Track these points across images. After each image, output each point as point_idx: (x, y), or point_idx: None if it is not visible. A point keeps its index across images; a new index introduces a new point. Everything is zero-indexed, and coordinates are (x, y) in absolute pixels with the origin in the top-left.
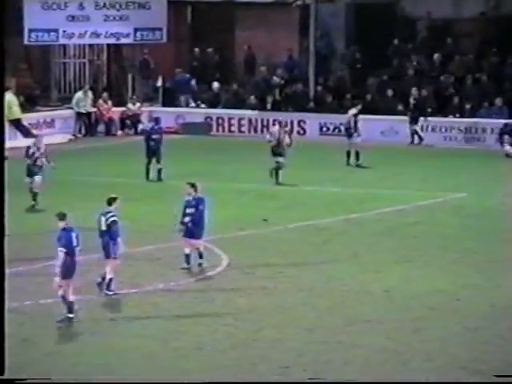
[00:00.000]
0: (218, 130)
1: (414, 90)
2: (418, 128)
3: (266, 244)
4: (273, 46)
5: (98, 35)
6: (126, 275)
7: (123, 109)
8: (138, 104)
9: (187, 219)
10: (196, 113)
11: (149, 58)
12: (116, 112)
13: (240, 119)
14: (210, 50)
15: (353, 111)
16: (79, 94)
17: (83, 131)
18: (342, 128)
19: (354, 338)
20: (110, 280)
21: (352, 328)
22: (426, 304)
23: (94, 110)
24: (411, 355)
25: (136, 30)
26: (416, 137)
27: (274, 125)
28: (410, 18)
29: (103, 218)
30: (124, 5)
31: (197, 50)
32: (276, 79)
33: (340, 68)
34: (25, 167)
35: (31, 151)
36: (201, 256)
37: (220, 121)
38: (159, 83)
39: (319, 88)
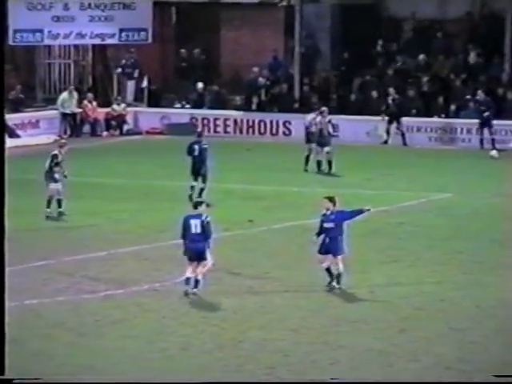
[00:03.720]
0: (203, 131)
1: (391, 90)
2: (392, 127)
3: (252, 245)
4: (258, 47)
5: (83, 36)
6: (112, 275)
7: (108, 109)
8: (123, 104)
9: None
10: (181, 113)
11: (136, 58)
12: (101, 113)
13: (225, 120)
14: (196, 50)
15: (318, 117)
16: (64, 94)
17: (68, 132)
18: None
19: (340, 339)
20: (198, 281)
21: (338, 328)
22: (412, 304)
23: (80, 110)
24: (397, 355)
25: (121, 30)
26: (387, 136)
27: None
28: (395, 19)
29: (196, 221)
30: (109, 5)
31: (183, 50)
32: (261, 80)
33: (325, 69)
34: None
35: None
36: (332, 275)
37: (205, 121)
38: (145, 84)
39: (304, 89)
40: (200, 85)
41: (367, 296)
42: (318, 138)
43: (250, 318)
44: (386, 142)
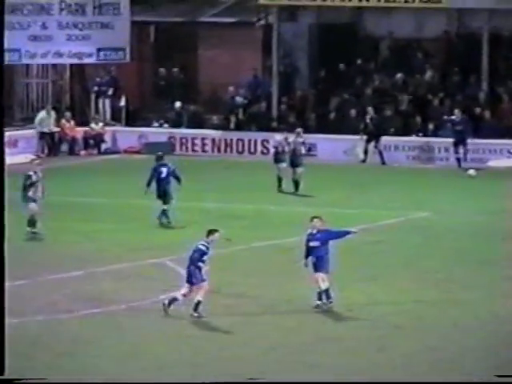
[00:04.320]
0: (181, 150)
1: (369, 109)
2: (370, 146)
3: (230, 263)
4: (236, 66)
5: (60, 55)
6: (89, 295)
7: (86, 128)
8: (100, 123)
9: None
10: (159, 132)
11: (112, 76)
12: (79, 131)
13: (203, 139)
14: (174, 69)
15: (292, 137)
16: (42, 113)
17: (46, 151)
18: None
19: (318, 357)
20: (199, 303)
21: (316, 347)
22: (390, 323)
23: (57, 129)
24: (375, 374)
25: (99, 49)
26: (363, 155)
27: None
28: (372, 38)
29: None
30: (87, 24)
31: (161, 69)
32: (239, 99)
33: (303, 87)
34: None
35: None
36: (320, 294)
37: (183, 140)
38: (122, 103)
39: (282, 107)
40: (178, 104)
41: (345, 314)
42: (291, 158)
43: (228, 336)
44: (364, 161)
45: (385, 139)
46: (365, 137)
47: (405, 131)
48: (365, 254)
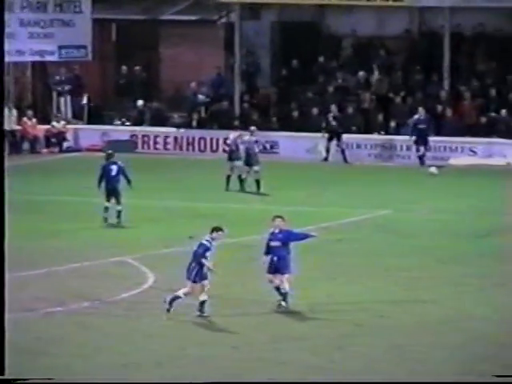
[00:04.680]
0: (143, 148)
1: (333, 108)
2: (332, 144)
3: None
4: (198, 64)
5: (22, 53)
6: (52, 293)
7: (48, 126)
8: (62, 122)
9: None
10: (121, 130)
11: (74, 74)
12: (41, 130)
13: (165, 137)
14: (136, 67)
15: (246, 136)
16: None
17: (7, 149)
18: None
19: (279, 355)
20: (204, 302)
21: (277, 345)
22: (352, 321)
23: (19, 127)
24: (336, 372)
25: (60, 47)
26: (326, 153)
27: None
28: (335, 36)
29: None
30: (48, 22)
31: (124, 67)
32: (201, 97)
33: (265, 85)
34: None
35: None
36: (281, 293)
37: (145, 138)
38: (84, 101)
39: (245, 105)
40: (140, 102)
41: (307, 313)
42: (246, 157)
43: (190, 334)
44: (326, 159)
45: (347, 137)
46: (327, 135)
47: (367, 129)
48: (326, 253)
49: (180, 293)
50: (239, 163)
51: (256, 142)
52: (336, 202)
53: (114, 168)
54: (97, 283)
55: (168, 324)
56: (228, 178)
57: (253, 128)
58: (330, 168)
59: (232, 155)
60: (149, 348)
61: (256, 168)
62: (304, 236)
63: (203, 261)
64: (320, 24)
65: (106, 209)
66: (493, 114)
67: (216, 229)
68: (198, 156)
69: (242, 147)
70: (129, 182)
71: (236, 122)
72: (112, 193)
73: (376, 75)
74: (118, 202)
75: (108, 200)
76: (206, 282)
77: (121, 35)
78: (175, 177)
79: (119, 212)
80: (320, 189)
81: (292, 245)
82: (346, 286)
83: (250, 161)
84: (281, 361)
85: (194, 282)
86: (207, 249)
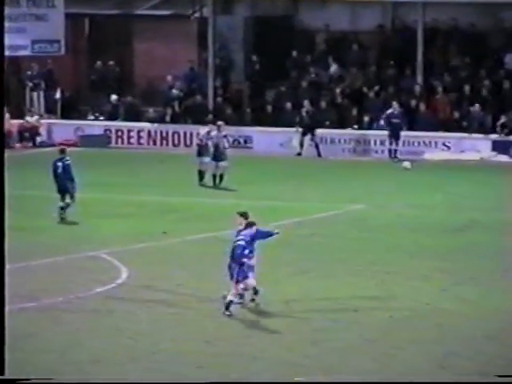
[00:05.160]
0: (117, 143)
1: (306, 103)
2: (306, 139)
3: (166, 256)
4: (172, 59)
5: None
6: (26, 288)
7: (21, 121)
8: (36, 116)
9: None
10: (95, 125)
11: (47, 68)
12: (14, 124)
13: (139, 131)
14: (110, 62)
15: (214, 131)
16: None
17: None
18: (238, 141)
19: (253, 350)
20: (231, 302)
21: (251, 340)
22: (325, 316)
23: None
24: (309, 367)
25: (33, 42)
26: (301, 148)
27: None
28: (308, 31)
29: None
30: (21, 17)
31: (98, 62)
32: (175, 91)
33: (239, 80)
34: None
35: None
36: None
37: (119, 133)
38: (58, 95)
39: (218, 100)
40: (114, 97)
41: (280, 308)
42: (214, 152)
43: (163, 329)
44: (299, 154)
45: (321, 132)
46: (300, 129)
47: (340, 124)
48: (299, 247)
49: (231, 297)
50: (207, 159)
51: (225, 136)
52: (310, 196)
53: (60, 165)
54: (70, 278)
55: (142, 319)
56: (200, 172)
57: (220, 123)
58: (304, 163)
59: (201, 150)
60: (122, 343)
61: (223, 164)
62: (267, 234)
63: (244, 260)
64: (293, 19)
65: (62, 209)
66: (466, 109)
67: (250, 224)
68: (171, 151)
69: (209, 143)
70: (72, 180)
71: (209, 117)
72: (61, 189)
73: (349, 70)
74: (71, 197)
75: (63, 199)
76: (247, 281)
77: (94, 30)
78: (148, 172)
79: (64, 207)
80: (294, 183)
81: (257, 242)
82: (319, 281)
83: (217, 156)
84: (254, 356)
85: (237, 281)
86: (244, 248)
